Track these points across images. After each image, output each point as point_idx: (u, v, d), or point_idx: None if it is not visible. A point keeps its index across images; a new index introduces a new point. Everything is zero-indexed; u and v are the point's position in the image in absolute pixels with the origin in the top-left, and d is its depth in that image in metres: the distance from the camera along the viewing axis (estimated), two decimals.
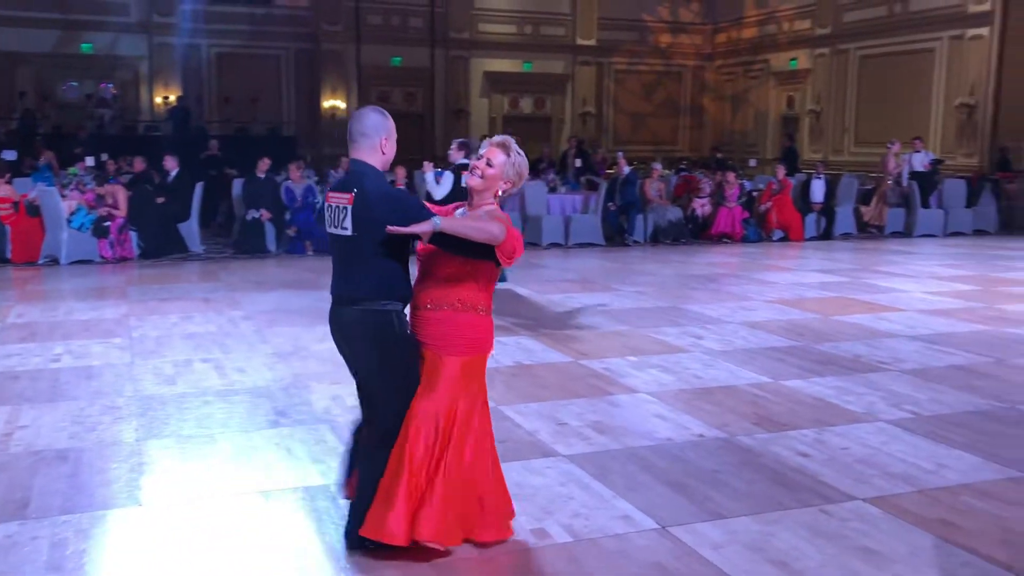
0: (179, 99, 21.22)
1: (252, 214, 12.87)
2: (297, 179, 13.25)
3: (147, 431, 5.12)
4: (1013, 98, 19.21)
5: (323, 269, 11.49)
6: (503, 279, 9.98)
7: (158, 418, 5.35)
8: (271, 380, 6.22)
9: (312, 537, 3.80)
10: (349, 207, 3.50)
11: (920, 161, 16.77)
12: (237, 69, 22.92)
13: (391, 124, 3.65)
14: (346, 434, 5.01)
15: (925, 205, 16.48)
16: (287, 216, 13.03)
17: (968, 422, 5.41)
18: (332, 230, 3.60)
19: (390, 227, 3.34)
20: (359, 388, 3.70)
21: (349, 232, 3.51)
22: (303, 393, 5.90)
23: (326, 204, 3.64)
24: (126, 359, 6.77)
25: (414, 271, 3.66)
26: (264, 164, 13.09)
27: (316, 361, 6.72)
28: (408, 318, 3.65)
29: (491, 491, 3.63)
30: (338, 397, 5.77)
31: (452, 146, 9.37)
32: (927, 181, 16.62)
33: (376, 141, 3.59)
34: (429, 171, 9.43)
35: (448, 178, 9.15)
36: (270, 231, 12.98)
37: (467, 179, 3.68)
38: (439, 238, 3.40)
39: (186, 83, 22.32)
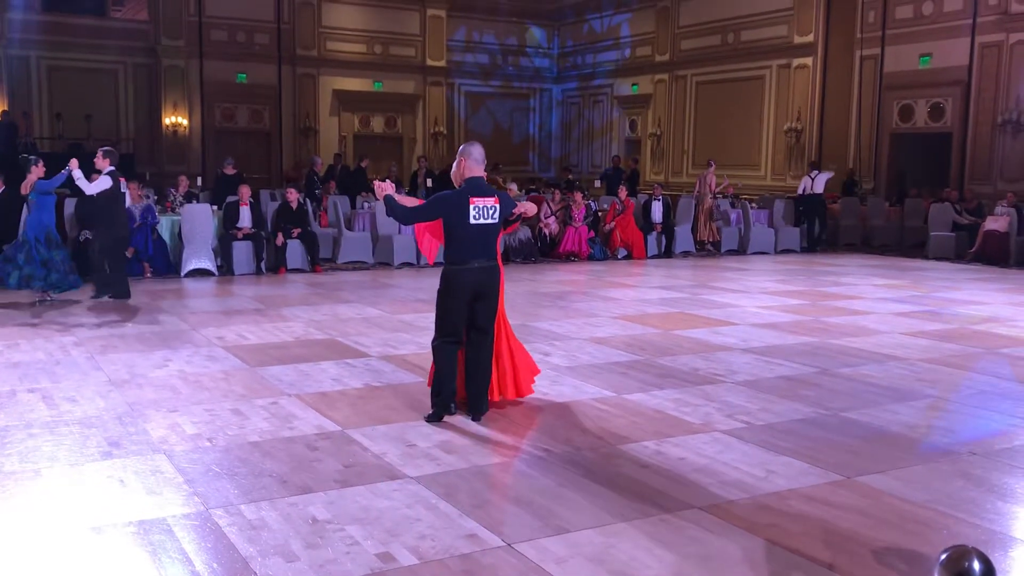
0: (3, 113, 20.00)
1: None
2: (136, 198, 12.72)
3: None
4: (833, 123, 20.63)
5: (161, 292, 11.11)
6: (76, 286, 10.30)
7: None
8: (104, 409, 5.92)
9: (147, 572, 3.64)
10: (497, 205, 5.69)
11: (821, 183, 17.60)
12: (70, 83, 21.83)
13: None
14: (183, 463, 4.87)
15: (818, 226, 17.73)
16: None
17: (795, 430, 5.74)
18: (477, 221, 5.61)
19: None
20: (476, 319, 5.80)
21: (496, 221, 5.68)
22: (138, 422, 5.65)
23: (471, 205, 5.60)
24: None
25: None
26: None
27: (152, 388, 6.45)
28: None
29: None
30: (176, 425, 5.56)
31: (98, 154, 10.40)
32: (819, 204, 17.66)
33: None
34: (75, 167, 10.21)
35: (105, 180, 10.21)
36: None
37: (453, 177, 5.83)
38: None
39: (12, 97, 21.10)
